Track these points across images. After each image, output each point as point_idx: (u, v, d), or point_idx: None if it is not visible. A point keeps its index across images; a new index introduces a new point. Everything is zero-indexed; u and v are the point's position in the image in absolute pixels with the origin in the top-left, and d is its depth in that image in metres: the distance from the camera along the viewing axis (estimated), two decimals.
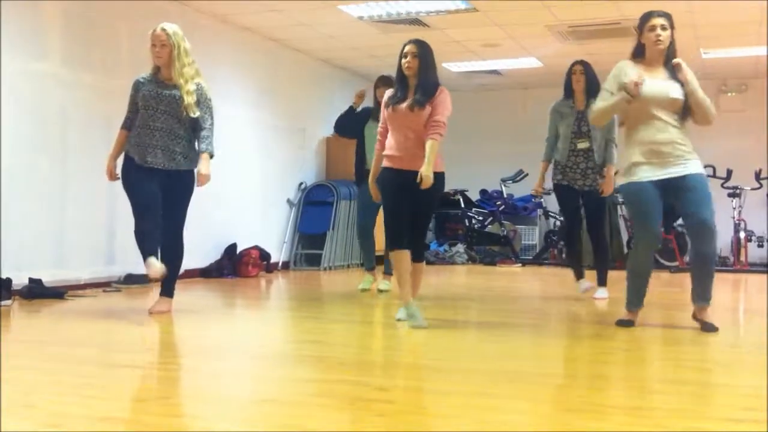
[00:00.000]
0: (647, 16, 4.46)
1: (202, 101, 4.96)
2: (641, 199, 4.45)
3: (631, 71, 4.43)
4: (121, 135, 5.03)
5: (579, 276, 6.24)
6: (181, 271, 7.29)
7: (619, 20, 7.85)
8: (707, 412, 2.71)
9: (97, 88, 6.58)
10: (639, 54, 4.50)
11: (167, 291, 5.09)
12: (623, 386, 3.16)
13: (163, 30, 4.90)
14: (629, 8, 7.25)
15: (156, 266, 4.74)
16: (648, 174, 4.40)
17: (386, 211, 4.77)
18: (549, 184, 6.28)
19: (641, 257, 4.55)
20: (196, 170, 4.93)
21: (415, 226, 4.75)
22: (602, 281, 6.13)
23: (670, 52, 4.45)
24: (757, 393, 2.94)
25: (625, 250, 9.63)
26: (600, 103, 4.57)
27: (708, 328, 4.41)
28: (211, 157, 4.93)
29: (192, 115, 4.88)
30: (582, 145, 5.94)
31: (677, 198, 4.43)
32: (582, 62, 6.05)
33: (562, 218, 10.68)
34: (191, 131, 4.97)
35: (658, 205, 4.43)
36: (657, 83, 4.41)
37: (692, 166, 4.38)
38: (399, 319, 4.69)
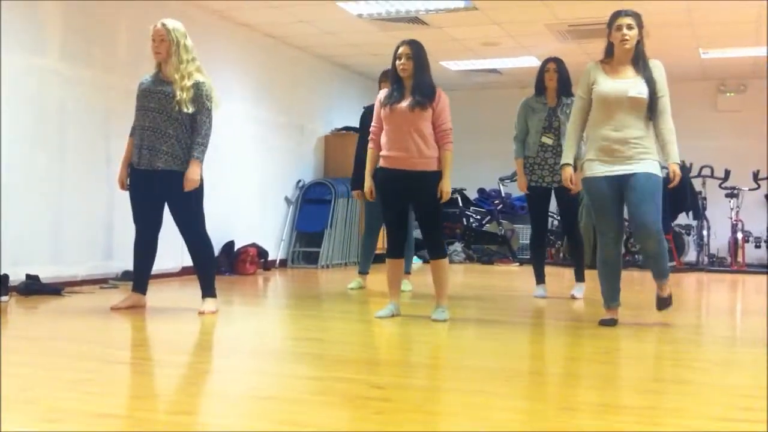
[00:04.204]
0: (615, 16, 4.53)
1: (201, 101, 4.80)
2: (596, 193, 4.54)
3: (597, 74, 4.51)
4: (129, 143, 4.99)
5: (539, 280, 6.23)
6: (178, 268, 7.36)
7: None
8: (704, 411, 2.71)
9: (96, 84, 6.58)
10: (609, 53, 4.55)
11: (205, 292, 4.98)
12: (620, 385, 3.16)
13: (164, 25, 4.83)
14: (629, 7, 7.24)
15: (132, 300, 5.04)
16: (601, 169, 4.49)
17: (384, 215, 4.92)
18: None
19: (606, 248, 4.60)
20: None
21: (425, 225, 4.82)
22: (580, 277, 6.15)
23: (638, 52, 4.48)
24: (754, 393, 2.94)
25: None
26: (570, 126, 4.70)
27: (661, 304, 4.56)
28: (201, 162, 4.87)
29: (185, 110, 4.75)
30: (548, 140, 5.97)
31: (625, 197, 4.49)
32: (555, 60, 6.10)
33: (559, 218, 10.75)
34: (186, 131, 4.82)
35: (613, 197, 4.50)
36: (617, 83, 4.45)
37: (641, 165, 4.41)
38: (379, 317, 4.77)
